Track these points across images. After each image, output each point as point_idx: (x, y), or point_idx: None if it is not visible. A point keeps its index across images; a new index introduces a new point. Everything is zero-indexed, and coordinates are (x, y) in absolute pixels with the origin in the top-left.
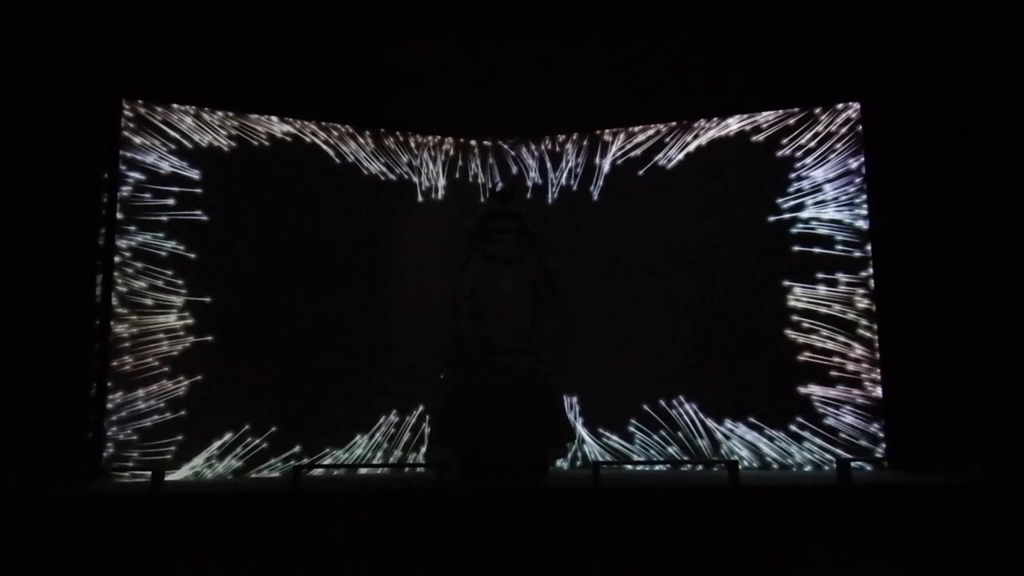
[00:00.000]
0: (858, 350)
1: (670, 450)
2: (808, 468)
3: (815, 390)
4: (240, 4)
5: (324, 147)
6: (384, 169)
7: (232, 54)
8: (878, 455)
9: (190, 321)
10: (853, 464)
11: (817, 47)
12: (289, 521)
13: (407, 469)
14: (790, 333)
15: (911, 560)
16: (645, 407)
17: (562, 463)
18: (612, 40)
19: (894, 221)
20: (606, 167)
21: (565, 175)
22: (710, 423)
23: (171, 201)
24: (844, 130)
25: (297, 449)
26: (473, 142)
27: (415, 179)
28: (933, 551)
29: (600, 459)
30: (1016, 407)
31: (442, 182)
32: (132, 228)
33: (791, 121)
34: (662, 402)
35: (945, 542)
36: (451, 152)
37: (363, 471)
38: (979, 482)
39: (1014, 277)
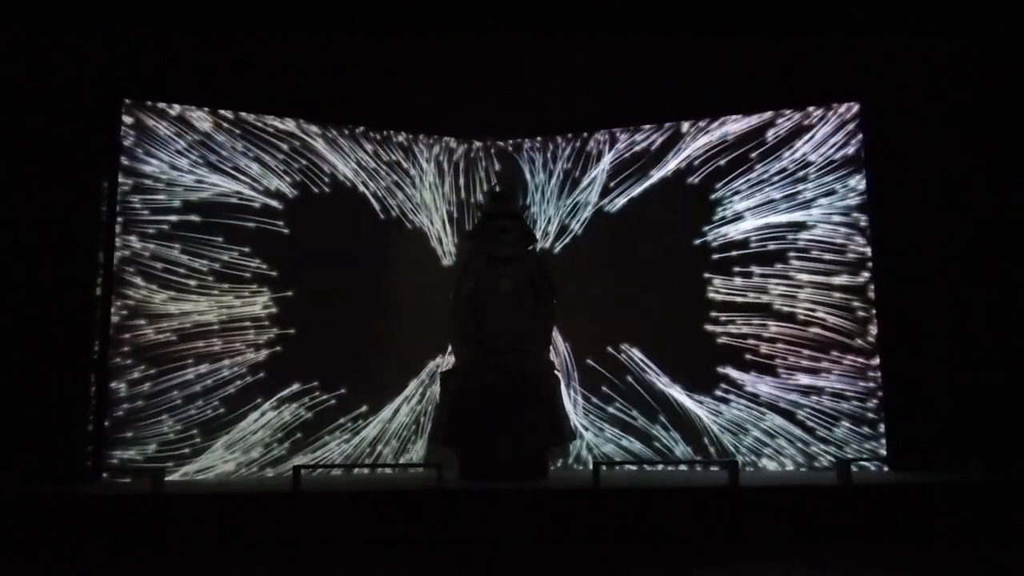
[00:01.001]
0: (858, 349)
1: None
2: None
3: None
4: (243, 3)
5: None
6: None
7: (233, 54)
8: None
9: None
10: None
11: (817, 47)
12: (289, 521)
13: (408, 469)
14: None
15: (911, 560)
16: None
17: (562, 463)
18: (608, 40)
19: (894, 221)
20: (604, 166)
21: (562, 174)
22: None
23: (177, 202)
24: (843, 129)
25: (364, 408)
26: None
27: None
28: (933, 551)
29: (601, 459)
30: (1016, 407)
31: (452, 247)
32: (134, 228)
33: (789, 121)
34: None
35: (945, 542)
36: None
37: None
38: (979, 482)
39: (1014, 277)
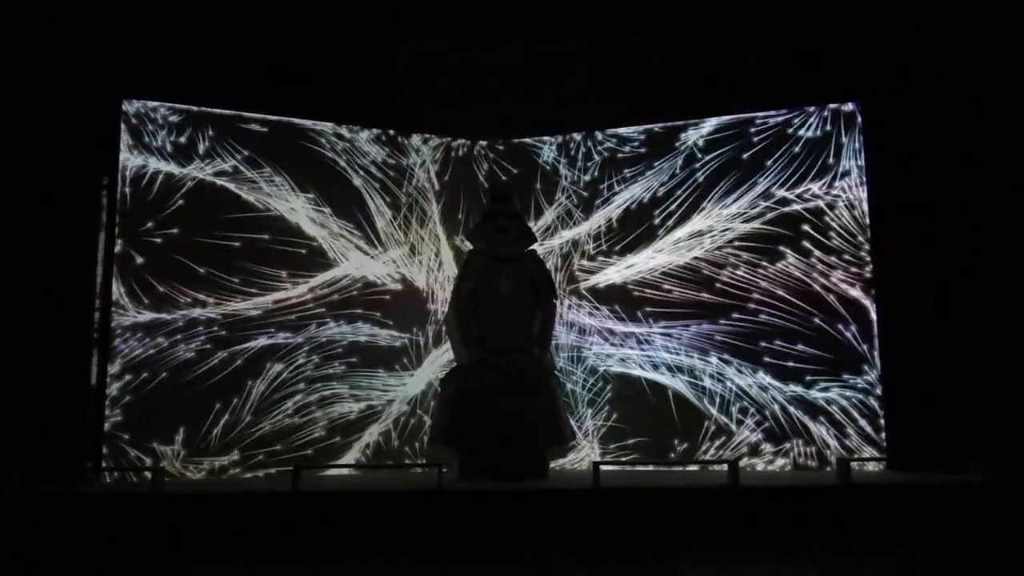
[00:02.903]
0: (858, 349)
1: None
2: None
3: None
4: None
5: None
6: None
7: (233, 52)
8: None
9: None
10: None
11: (817, 47)
12: (289, 521)
13: (408, 469)
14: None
15: (911, 560)
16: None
17: (562, 462)
18: (605, 39)
19: (894, 221)
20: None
21: (576, 166)
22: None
23: (177, 200)
24: (843, 128)
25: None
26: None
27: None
28: (933, 551)
29: (600, 459)
30: (1016, 407)
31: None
32: (135, 227)
33: (789, 119)
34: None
35: (945, 542)
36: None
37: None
38: (979, 482)
39: (1014, 277)
